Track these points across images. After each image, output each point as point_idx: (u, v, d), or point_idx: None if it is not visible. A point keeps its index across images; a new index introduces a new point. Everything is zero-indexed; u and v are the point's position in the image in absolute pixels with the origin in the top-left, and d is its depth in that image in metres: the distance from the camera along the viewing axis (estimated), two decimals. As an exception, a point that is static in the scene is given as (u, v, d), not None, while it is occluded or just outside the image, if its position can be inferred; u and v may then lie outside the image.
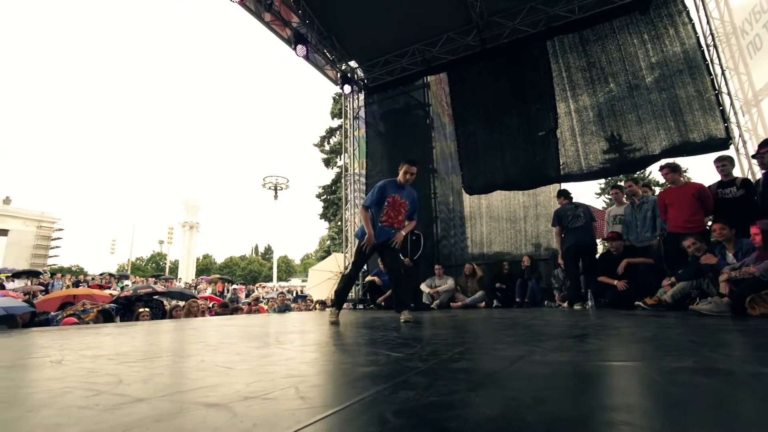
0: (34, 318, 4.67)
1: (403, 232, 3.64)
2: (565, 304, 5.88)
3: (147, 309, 6.02)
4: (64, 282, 14.33)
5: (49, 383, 1.26)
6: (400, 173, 3.60)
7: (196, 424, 0.83)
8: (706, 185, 4.61)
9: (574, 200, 5.76)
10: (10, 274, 13.43)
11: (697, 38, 5.98)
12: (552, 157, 7.01)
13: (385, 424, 0.83)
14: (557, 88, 7.16)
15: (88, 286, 11.36)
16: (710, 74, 5.82)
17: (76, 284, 14.13)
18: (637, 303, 4.68)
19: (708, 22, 5.99)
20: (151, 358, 1.74)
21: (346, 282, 3.91)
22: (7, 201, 33.10)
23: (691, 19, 6.08)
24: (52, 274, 15.89)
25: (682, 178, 4.83)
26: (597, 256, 5.81)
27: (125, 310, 6.06)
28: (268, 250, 65.74)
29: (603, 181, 31.58)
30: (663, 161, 5.79)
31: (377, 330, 2.91)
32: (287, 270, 59.28)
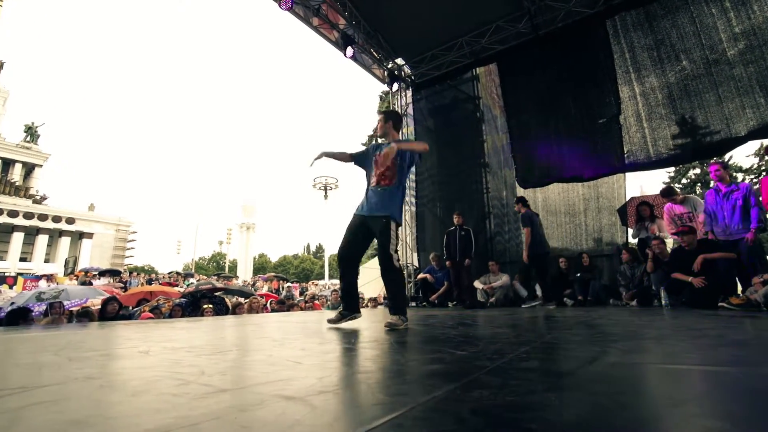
0: (119, 311, 5.18)
1: (395, 145, 2.80)
2: (634, 303, 5.49)
3: (210, 305, 6.46)
4: (139, 280, 15.78)
5: (141, 372, 1.37)
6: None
7: (277, 416, 0.86)
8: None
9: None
10: (96, 273, 15.05)
11: (797, -2, 5.24)
12: (615, 146, 6.51)
13: (463, 422, 0.81)
14: (619, 70, 6.62)
15: (159, 284, 12.43)
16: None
17: (149, 282, 15.51)
18: (721, 303, 4.24)
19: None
20: (224, 351, 1.84)
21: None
22: (91, 208, 37.03)
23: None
24: (130, 272, 17.56)
25: None
26: (668, 251, 5.35)
27: (192, 306, 6.54)
28: (320, 249, 67.76)
29: (672, 169, 29.10)
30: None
31: (434, 327, 2.88)
32: (338, 268, 60.67)
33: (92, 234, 35.06)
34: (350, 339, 2.35)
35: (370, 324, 3.36)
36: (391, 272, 2.93)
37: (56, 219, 32.64)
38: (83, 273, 15.61)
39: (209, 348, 1.99)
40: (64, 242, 33.45)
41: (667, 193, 5.72)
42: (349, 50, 7.20)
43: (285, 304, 7.25)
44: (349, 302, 3.05)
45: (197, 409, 0.90)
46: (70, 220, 33.50)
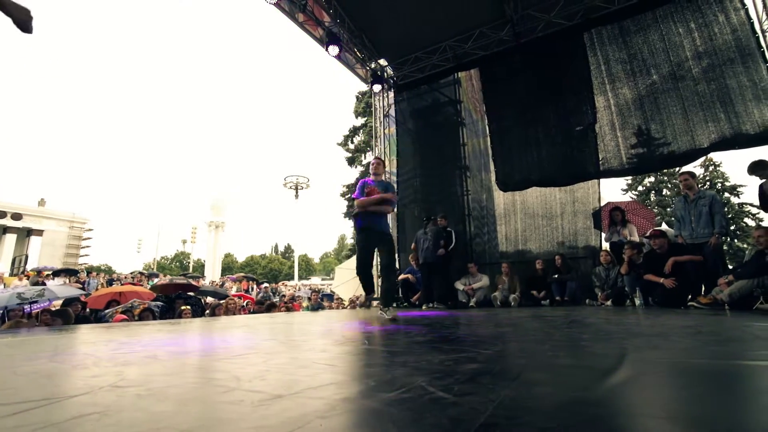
0: (81, 312, 4.83)
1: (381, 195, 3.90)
2: (609, 303, 5.75)
3: (188, 307, 6.19)
4: (99, 280, 14.81)
5: (170, 378, 1.28)
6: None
7: (364, 421, 0.83)
8: None
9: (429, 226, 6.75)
10: (50, 273, 13.98)
11: (751, 24, 5.67)
12: (591, 153, 6.81)
13: (554, 419, 0.80)
14: (595, 81, 6.94)
15: (121, 284, 11.71)
16: (766, 62, 5.52)
17: (110, 282, 14.59)
18: (690, 303, 4.52)
19: (765, 6, 5.67)
20: (242, 354, 1.75)
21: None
22: (41, 203, 34.45)
23: (744, 4, 5.76)
24: (88, 272, 16.44)
25: None
26: (641, 255, 5.64)
27: (167, 307, 6.23)
28: (288, 249, 66.56)
29: (630, 177, 30.88)
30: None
31: (436, 328, 2.89)
32: (307, 268, 59.85)
33: (42, 231, 32.62)
34: (363, 340, 2.31)
35: (366, 325, 3.32)
36: (393, 273, 4.25)
37: (0, 214, 30.13)
38: (35, 273, 14.45)
39: (222, 352, 1.90)
40: (9, 239, 30.90)
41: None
42: (334, 48, 7.10)
43: (264, 305, 7.05)
44: (370, 287, 4.09)
45: (269, 418, 0.85)
46: (17, 216, 31.01)
